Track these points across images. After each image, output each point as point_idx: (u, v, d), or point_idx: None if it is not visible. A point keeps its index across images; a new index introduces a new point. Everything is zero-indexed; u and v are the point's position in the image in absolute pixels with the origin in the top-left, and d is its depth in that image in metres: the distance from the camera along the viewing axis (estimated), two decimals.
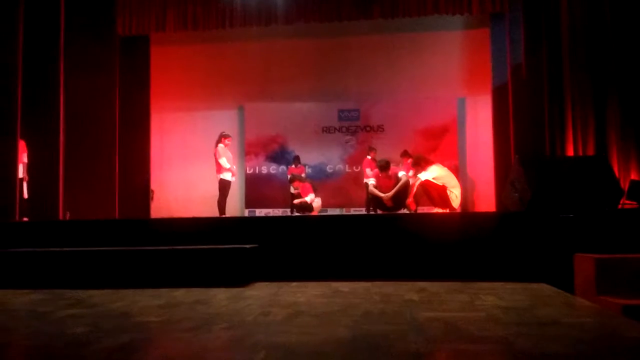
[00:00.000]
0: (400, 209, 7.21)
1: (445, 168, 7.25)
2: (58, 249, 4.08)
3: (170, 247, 3.94)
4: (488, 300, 2.92)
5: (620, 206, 4.63)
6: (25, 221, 6.31)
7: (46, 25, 7.70)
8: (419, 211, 7.30)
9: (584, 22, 6.29)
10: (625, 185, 5.03)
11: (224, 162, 7.95)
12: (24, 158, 7.21)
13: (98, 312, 2.80)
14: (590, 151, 6.06)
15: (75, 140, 8.56)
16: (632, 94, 5.53)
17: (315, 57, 10.99)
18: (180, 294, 3.33)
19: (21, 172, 7.07)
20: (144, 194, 10.06)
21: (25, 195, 7.08)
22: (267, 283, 3.77)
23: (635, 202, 4.92)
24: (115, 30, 9.65)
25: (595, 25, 6.11)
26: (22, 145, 7.20)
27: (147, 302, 3.04)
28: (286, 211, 9.84)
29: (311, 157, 10.83)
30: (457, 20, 10.19)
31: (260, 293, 3.37)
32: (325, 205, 9.31)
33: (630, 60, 5.59)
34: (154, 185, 10.42)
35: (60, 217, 7.59)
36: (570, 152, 6.53)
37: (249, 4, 9.66)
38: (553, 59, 7.17)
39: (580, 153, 6.27)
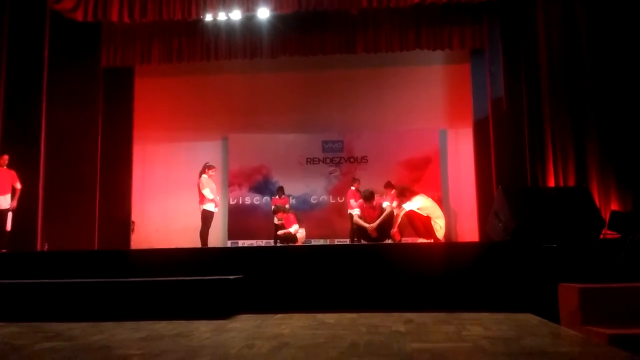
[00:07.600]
0: (384, 239, 7.20)
1: (430, 199, 7.28)
2: (35, 281, 3.97)
3: (152, 279, 3.86)
4: (474, 331, 2.90)
5: (601, 236, 4.68)
6: (2, 252, 6.14)
7: (30, 56, 7.70)
8: (403, 241, 7.30)
9: (562, 57, 6.49)
10: (606, 216, 5.10)
11: (207, 192, 7.89)
12: (12, 187, 7.03)
13: (76, 346, 2.71)
14: (571, 182, 6.16)
15: (56, 171, 8.45)
16: (610, 126, 5.67)
17: (300, 89, 11.11)
18: (162, 327, 3.25)
19: (5, 203, 6.90)
20: (124, 226, 9.91)
21: (8, 228, 6.88)
22: (251, 315, 3.70)
23: (616, 232, 4.98)
24: (99, 62, 9.66)
25: (573, 60, 6.31)
26: (12, 175, 7.04)
27: (127, 335, 2.96)
28: (270, 242, 9.75)
29: (295, 188, 10.81)
30: (438, 55, 10.42)
31: (244, 325, 3.30)
32: (309, 236, 9.27)
33: (607, 94, 5.76)
34: (135, 217, 10.27)
35: (39, 248, 7.41)
36: (551, 182, 6.62)
37: (234, 37, 9.78)
38: (532, 93, 7.34)
39: (561, 184, 6.37)
